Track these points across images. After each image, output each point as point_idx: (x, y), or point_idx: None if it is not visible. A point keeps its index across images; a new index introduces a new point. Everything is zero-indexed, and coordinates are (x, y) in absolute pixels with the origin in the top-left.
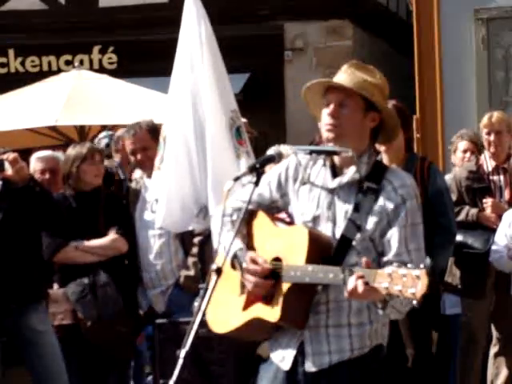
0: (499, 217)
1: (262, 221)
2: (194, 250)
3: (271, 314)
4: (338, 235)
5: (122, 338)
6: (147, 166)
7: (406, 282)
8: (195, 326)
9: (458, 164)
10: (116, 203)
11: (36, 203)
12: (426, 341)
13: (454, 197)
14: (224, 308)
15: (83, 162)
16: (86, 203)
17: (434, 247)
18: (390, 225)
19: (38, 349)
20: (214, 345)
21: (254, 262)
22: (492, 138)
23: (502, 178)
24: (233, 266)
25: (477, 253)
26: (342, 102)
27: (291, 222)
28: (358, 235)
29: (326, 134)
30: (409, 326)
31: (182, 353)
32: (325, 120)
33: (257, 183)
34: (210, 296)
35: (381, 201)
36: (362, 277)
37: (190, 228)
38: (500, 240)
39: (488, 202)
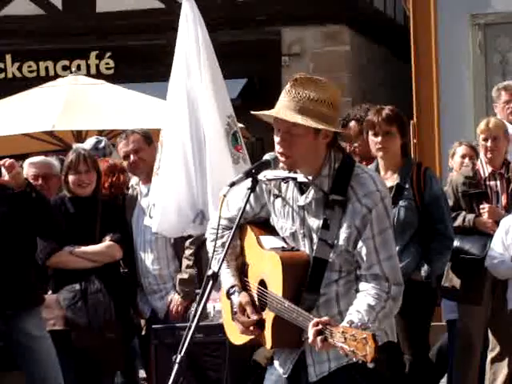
0: (496, 222)
1: (249, 239)
2: (187, 252)
3: (265, 340)
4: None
5: (111, 344)
6: (140, 169)
7: (357, 345)
8: (191, 332)
9: (456, 169)
10: (113, 210)
11: (32, 209)
12: (424, 347)
13: (450, 202)
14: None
15: (69, 171)
16: (84, 209)
17: (431, 253)
18: (360, 236)
19: (34, 354)
20: (210, 350)
21: (242, 310)
22: (489, 143)
23: (498, 183)
24: (228, 297)
25: (474, 258)
26: (289, 130)
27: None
28: (332, 253)
29: (280, 162)
30: (406, 332)
31: (178, 358)
32: (276, 148)
33: (253, 189)
34: (206, 302)
35: (348, 213)
36: (320, 333)
37: (186, 233)
38: (497, 246)
39: (485, 207)
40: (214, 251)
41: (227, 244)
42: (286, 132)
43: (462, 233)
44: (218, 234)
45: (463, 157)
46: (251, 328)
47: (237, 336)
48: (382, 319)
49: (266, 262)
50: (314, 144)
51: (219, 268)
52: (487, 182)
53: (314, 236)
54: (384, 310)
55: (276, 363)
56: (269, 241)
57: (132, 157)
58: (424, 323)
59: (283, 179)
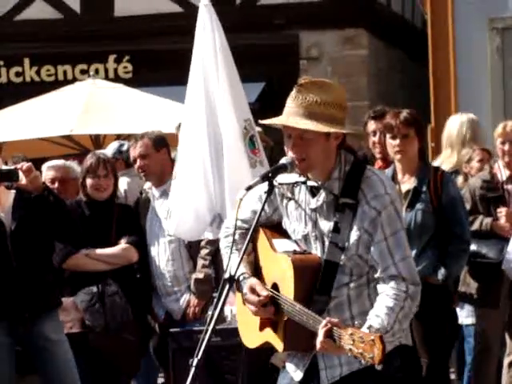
0: None
1: (262, 241)
2: (203, 252)
3: (277, 343)
4: None
5: (129, 347)
6: (148, 174)
7: (365, 347)
8: (208, 335)
9: (474, 174)
10: (129, 213)
11: (50, 212)
12: (441, 350)
13: (468, 206)
14: (247, 324)
15: (87, 174)
16: (99, 212)
17: (448, 256)
18: (372, 239)
19: (52, 357)
20: (227, 353)
21: (252, 290)
22: (506, 147)
23: None
24: (238, 289)
25: (491, 262)
26: (300, 135)
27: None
28: (343, 256)
29: (296, 166)
30: (423, 335)
31: (194, 362)
32: (289, 154)
33: (269, 193)
34: (223, 305)
35: (358, 217)
36: (330, 336)
37: (203, 237)
38: None
39: (502, 211)
40: (227, 247)
41: (244, 245)
42: (297, 137)
43: (479, 237)
44: (234, 234)
45: (481, 161)
46: (263, 307)
47: (251, 339)
48: (402, 320)
49: (278, 265)
50: (325, 146)
51: (236, 270)
52: (505, 186)
53: (326, 239)
54: (403, 310)
55: (288, 367)
56: (281, 244)
57: (138, 162)
58: (441, 326)
59: (294, 183)
